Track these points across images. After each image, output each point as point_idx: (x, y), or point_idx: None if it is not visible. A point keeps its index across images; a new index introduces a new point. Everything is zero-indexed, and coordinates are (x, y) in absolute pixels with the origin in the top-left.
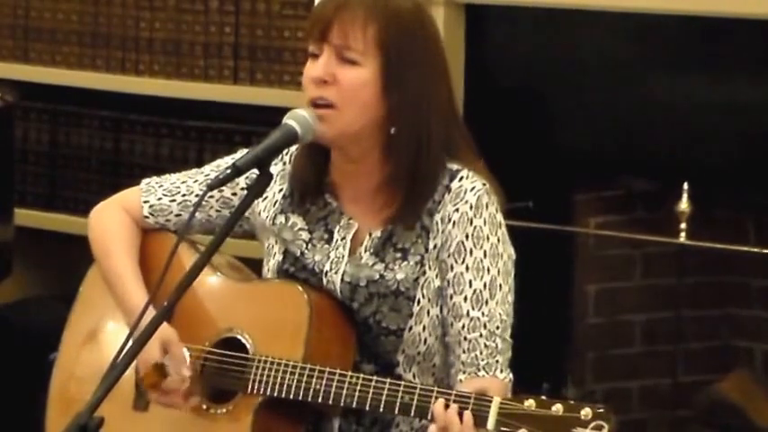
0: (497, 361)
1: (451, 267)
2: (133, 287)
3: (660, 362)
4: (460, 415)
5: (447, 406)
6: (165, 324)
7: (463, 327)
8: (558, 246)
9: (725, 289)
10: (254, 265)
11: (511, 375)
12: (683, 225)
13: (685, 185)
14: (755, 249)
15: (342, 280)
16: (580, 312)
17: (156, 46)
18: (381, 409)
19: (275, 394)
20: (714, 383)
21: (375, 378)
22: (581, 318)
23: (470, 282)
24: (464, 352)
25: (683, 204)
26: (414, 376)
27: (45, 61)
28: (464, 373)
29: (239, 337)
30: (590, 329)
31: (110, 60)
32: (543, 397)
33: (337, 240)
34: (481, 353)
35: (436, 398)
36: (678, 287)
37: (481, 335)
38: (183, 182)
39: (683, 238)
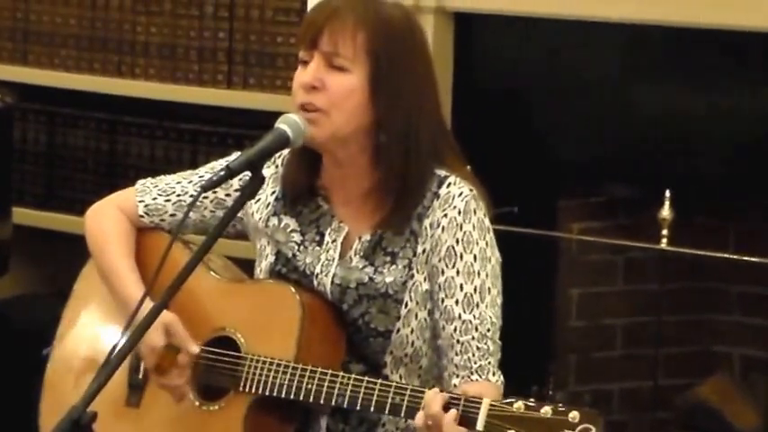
0: (489, 363)
1: (442, 272)
2: (131, 282)
3: (641, 365)
4: (446, 410)
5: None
6: (164, 311)
7: (455, 330)
8: (543, 250)
9: (705, 294)
10: (247, 266)
11: (502, 378)
12: (664, 231)
13: (667, 193)
14: (735, 256)
15: (332, 282)
16: (563, 316)
17: (151, 50)
18: (372, 410)
19: (267, 393)
20: (694, 387)
21: (366, 378)
22: (564, 321)
23: (461, 285)
24: (456, 354)
25: (665, 211)
26: (400, 377)
27: (43, 64)
28: (457, 377)
29: (232, 336)
30: (573, 332)
31: (106, 64)
32: (532, 399)
33: (328, 243)
34: (473, 355)
35: None
36: (659, 292)
37: (473, 337)
38: (178, 182)
39: (664, 244)
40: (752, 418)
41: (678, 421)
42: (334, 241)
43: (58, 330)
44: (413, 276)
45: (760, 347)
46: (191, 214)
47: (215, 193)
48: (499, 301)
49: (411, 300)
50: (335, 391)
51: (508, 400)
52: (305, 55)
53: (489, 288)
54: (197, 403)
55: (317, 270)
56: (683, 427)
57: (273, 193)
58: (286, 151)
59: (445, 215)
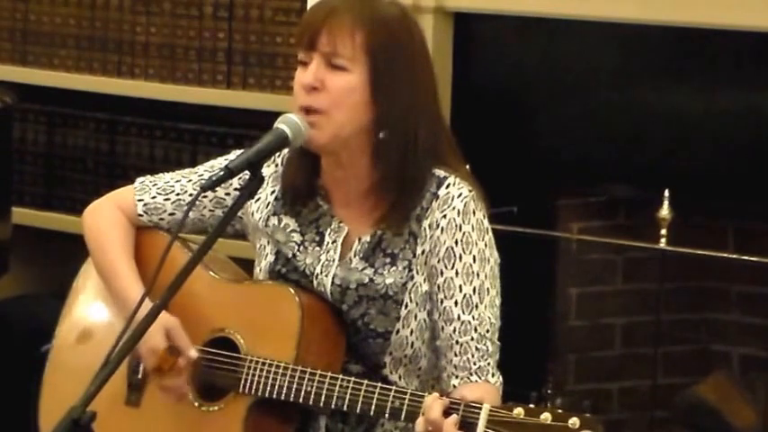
0: (488, 363)
1: (441, 273)
2: (130, 281)
3: (640, 364)
4: (447, 415)
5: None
6: (164, 312)
7: (454, 330)
8: (542, 250)
9: (704, 294)
10: (247, 266)
11: (501, 378)
12: (663, 231)
13: (666, 192)
14: (734, 255)
15: (332, 283)
16: (563, 315)
17: (151, 50)
18: (372, 414)
19: (266, 395)
20: (692, 386)
21: (366, 382)
22: (563, 320)
23: (460, 286)
24: (456, 355)
25: (664, 211)
26: (400, 378)
27: (43, 64)
28: (457, 377)
29: (231, 337)
30: (572, 332)
31: (106, 64)
32: (532, 405)
33: (328, 243)
34: (473, 356)
35: None
36: (658, 291)
37: (472, 338)
38: (177, 181)
39: (663, 243)
40: (750, 416)
41: (677, 420)
42: (334, 242)
43: (57, 327)
44: (413, 278)
45: (759, 347)
46: (190, 213)
47: (214, 192)
48: (498, 301)
49: (411, 301)
50: (335, 395)
51: (508, 406)
52: (304, 56)
53: (488, 289)
54: (196, 404)
55: (317, 271)
56: (682, 426)
57: (273, 192)
58: (285, 151)
59: (444, 216)
